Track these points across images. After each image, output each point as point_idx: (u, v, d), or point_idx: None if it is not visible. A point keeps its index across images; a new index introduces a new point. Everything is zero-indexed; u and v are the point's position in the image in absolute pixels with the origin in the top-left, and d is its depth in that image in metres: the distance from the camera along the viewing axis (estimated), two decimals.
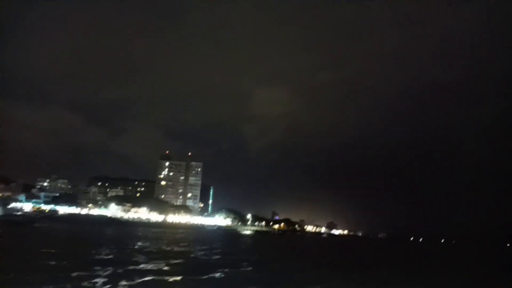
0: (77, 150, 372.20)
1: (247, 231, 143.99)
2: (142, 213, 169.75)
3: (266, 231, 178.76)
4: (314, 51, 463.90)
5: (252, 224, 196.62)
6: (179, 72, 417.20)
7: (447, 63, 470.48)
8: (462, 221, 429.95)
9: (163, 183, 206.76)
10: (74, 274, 20.00)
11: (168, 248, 43.89)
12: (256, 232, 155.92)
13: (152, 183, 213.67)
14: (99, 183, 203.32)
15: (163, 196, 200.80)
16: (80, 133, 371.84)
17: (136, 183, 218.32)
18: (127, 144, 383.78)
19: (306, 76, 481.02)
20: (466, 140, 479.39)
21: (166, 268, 26.15)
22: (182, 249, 45.22)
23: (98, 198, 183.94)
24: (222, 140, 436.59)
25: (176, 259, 32.46)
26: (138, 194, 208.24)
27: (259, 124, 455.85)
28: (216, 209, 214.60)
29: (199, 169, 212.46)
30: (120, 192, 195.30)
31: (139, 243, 47.63)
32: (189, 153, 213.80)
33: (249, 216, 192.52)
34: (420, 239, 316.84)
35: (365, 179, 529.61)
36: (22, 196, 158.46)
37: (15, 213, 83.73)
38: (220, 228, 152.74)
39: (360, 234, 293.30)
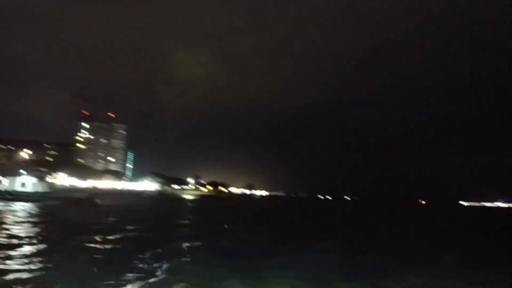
0: None
1: (189, 196, 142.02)
2: (61, 179, 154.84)
3: (213, 195, 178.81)
4: (235, 15, 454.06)
5: (179, 187, 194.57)
6: (91, 30, 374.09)
7: (366, 32, 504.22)
8: (371, 181, 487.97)
9: (82, 146, 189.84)
10: None
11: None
12: (202, 196, 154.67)
13: (67, 146, 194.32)
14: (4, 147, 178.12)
15: (82, 161, 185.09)
16: None
17: (48, 146, 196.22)
18: (34, 105, 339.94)
19: (226, 39, 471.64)
20: (381, 103, 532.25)
21: None
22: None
23: (2, 162, 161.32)
24: (137, 103, 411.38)
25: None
26: (51, 159, 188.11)
27: (177, 86, 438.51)
28: (137, 174, 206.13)
29: (123, 132, 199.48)
30: (31, 156, 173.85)
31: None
32: (111, 115, 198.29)
33: (190, 180, 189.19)
34: (328, 197, 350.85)
35: (283, 141, 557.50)
36: None
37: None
38: (161, 193, 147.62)
39: (281, 194, 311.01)
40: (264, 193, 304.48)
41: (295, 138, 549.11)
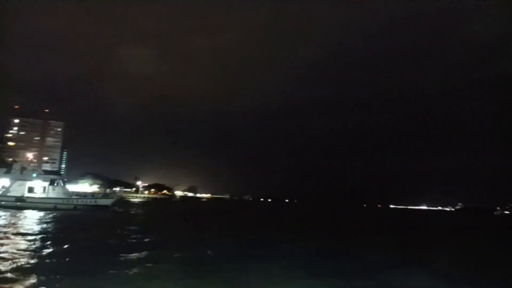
0: None
1: (137, 199, 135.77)
2: None
3: (166, 198, 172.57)
4: (188, 15, 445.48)
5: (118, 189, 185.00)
6: (33, 20, 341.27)
7: (317, 42, 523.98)
8: (312, 184, 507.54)
9: (11, 143, 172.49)
10: None
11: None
12: (153, 199, 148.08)
13: None
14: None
15: (10, 159, 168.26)
16: None
17: None
18: None
19: (177, 39, 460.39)
20: (327, 111, 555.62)
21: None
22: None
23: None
24: (76, 98, 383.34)
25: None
26: None
27: (122, 84, 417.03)
28: (72, 174, 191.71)
29: (59, 129, 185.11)
30: None
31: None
32: (46, 110, 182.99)
33: (139, 183, 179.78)
34: (269, 200, 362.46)
35: (227, 145, 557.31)
36: None
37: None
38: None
39: (227, 197, 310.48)
40: (207, 196, 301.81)
41: (240, 142, 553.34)
